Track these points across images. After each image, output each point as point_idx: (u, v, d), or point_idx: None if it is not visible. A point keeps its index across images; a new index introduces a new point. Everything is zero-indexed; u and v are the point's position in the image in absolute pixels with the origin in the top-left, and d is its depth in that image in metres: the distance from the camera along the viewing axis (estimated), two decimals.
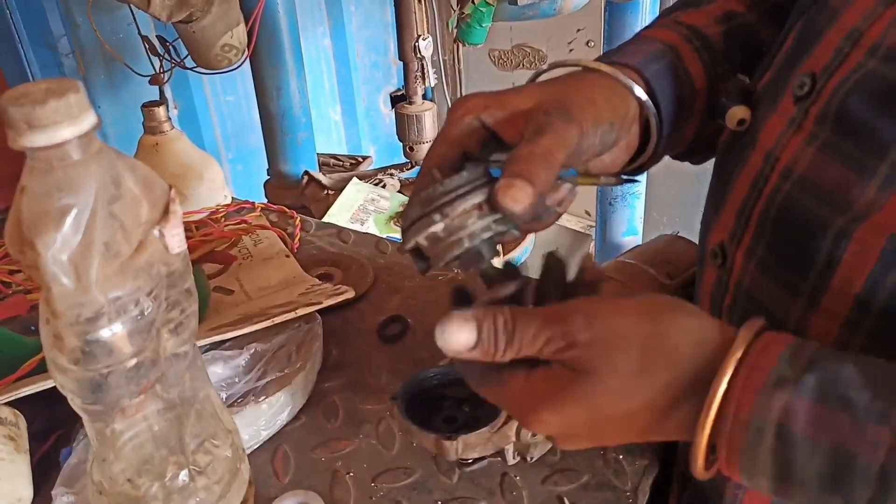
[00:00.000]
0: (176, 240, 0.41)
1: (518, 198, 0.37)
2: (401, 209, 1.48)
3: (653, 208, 1.89)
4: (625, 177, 0.50)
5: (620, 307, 0.36)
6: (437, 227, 0.38)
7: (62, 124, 0.34)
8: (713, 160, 0.50)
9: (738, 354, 0.33)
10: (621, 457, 0.53)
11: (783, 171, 0.39)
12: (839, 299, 0.36)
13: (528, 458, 0.52)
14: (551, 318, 0.35)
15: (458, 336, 0.36)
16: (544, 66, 0.48)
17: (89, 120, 0.35)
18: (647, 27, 0.51)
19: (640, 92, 0.44)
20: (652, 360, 0.34)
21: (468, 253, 0.39)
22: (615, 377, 0.34)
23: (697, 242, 0.51)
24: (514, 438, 0.50)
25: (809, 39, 0.41)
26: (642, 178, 1.58)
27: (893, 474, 0.30)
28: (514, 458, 0.52)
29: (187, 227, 0.81)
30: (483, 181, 0.38)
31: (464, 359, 0.37)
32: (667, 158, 0.56)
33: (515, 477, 0.52)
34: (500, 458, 0.53)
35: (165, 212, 0.40)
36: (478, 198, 0.38)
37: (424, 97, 1.52)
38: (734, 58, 0.49)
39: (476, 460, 0.53)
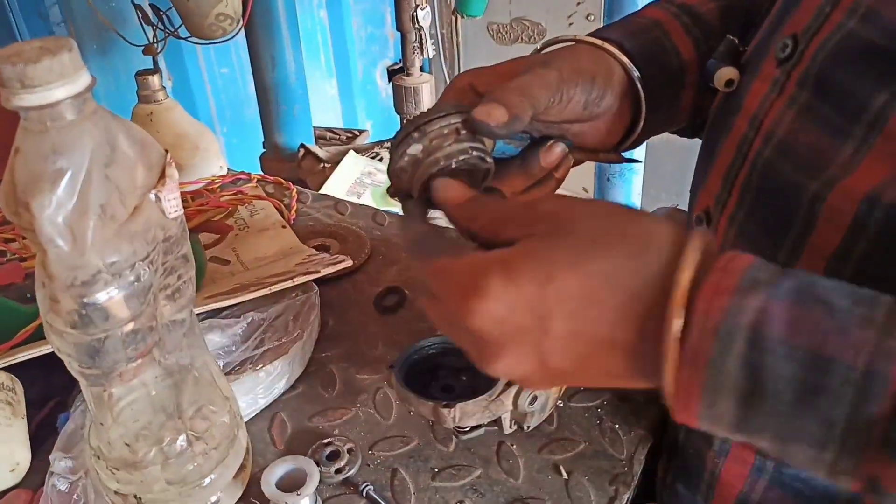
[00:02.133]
0: (172, 204, 0.40)
1: (491, 113, 0.39)
2: None
3: (650, 183, 1.88)
4: (625, 155, 0.50)
5: (597, 200, 0.35)
6: (416, 149, 0.40)
7: (56, 83, 0.34)
8: None
9: (699, 244, 0.30)
10: (617, 426, 0.53)
11: (765, 136, 0.39)
12: (813, 265, 0.36)
13: (525, 427, 0.52)
14: (528, 201, 0.37)
15: (457, 187, 0.39)
16: (538, 45, 0.49)
17: (83, 79, 0.35)
18: (639, 9, 0.52)
19: (621, 56, 0.45)
20: (618, 229, 0.32)
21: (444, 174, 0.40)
22: (576, 235, 0.32)
23: None
24: (510, 407, 0.50)
25: (793, 2, 0.40)
26: (641, 156, 1.57)
27: (875, 380, 0.26)
28: (510, 426, 0.52)
29: (183, 197, 0.80)
30: (465, 110, 0.40)
31: (429, 234, 0.38)
32: (665, 134, 0.56)
33: (512, 445, 0.52)
34: (496, 427, 0.53)
35: (161, 175, 0.40)
36: (455, 119, 0.40)
37: (422, 70, 1.51)
38: (734, 32, 0.49)
39: (473, 429, 0.53)
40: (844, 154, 0.34)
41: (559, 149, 0.42)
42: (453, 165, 0.40)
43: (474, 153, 0.40)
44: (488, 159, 0.41)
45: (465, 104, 0.42)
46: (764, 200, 0.39)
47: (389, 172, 0.42)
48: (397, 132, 0.42)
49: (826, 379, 0.27)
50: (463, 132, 0.40)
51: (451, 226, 0.40)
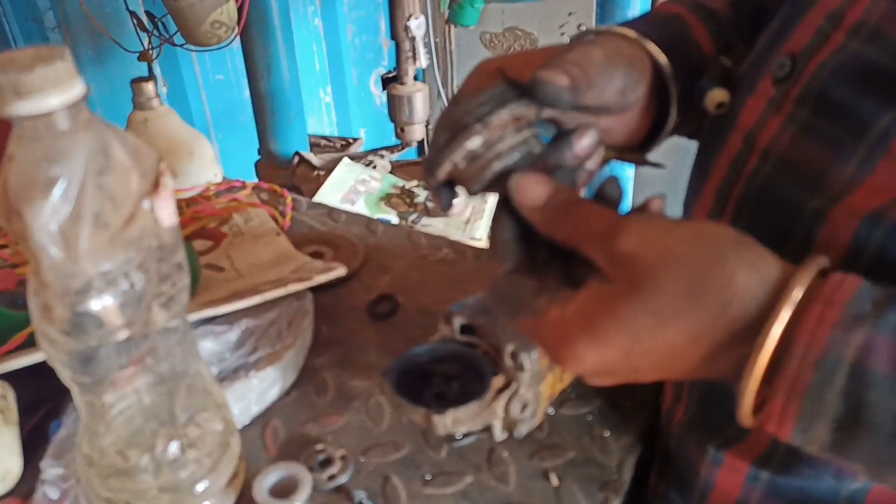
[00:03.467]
0: (166, 212, 0.40)
1: (555, 77, 0.37)
2: (392, 190, 1.48)
3: (640, 192, 1.90)
4: (649, 160, 0.49)
5: (677, 225, 0.34)
6: (476, 142, 0.36)
7: (50, 92, 0.34)
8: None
9: (805, 282, 0.30)
10: (607, 434, 0.54)
11: (762, 153, 0.39)
12: None
13: (516, 434, 0.53)
14: (609, 214, 0.35)
15: (536, 188, 0.36)
16: (568, 40, 0.48)
17: (78, 88, 0.35)
18: (656, 6, 0.52)
19: (650, 45, 0.44)
20: (704, 285, 0.31)
21: (506, 170, 0.37)
22: (661, 298, 0.31)
23: None
24: (502, 414, 0.51)
25: (790, 21, 0.41)
26: (631, 172, 1.58)
27: None
28: (502, 433, 0.53)
29: (178, 204, 0.80)
30: (513, 94, 0.37)
31: (498, 284, 0.37)
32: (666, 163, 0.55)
33: (503, 452, 0.52)
34: (488, 434, 0.53)
35: (156, 184, 0.40)
36: (516, 108, 0.37)
37: (416, 79, 1.52)
38: (743, 27, 0.49)
39: (465, 435, 0.53)
40: (847, 172, 0.34)
41: (592, 135, 0.40)
42: (515, 157, 0.37)
43: (535, 141, 0.37)
44: (543, 142, 0.38)
45: (504, 94, 0.39)
46: (762, 217, 0.39)
47: (433, 165, 0.39)
48: (443, 123, 0.38)
49: None
50: (521, 120, 0.37)
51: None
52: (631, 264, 0.32)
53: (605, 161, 0.45)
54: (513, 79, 0.40)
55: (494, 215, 0.39)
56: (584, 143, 0.39)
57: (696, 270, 0.31)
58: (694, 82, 0.46)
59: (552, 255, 0.37)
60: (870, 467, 0.30)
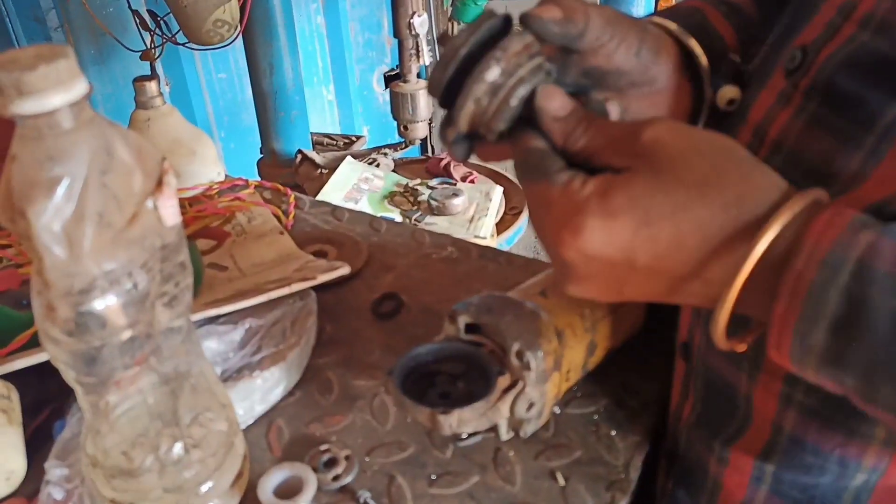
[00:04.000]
0: (170, 211, 0.40)
1: (548, 11, 0.37)
2: (395, 188, 1.48)
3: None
4: None
5: (700, 129, 0.34)
6: (496, 72, 0.35)
7: (52, 91, 0.34)
8: None
9: (813, 195, 0.30)
10: (613, 433, 0.53)
11: (772, 145, 0.39)
12: None
13: (522, 434, 0.52)
14: (628, 122, 0.35)
15: (560, 98, 0.36)
16: None
17: (80, 87, 0.35)
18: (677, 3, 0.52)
19: (671, 26, 0.44)
20: (722, 176, 0.31)
21: (520, 101, 0.36)
22: (679, 182, 0.31)
23: None
24: (507, 414, 0.50)
25: (802, 15, 0.40)
26: None
27: None
28: (507, 433, 0.52)
29: (181, 203, 0.80)
30: (502, 25, 0.37)
31: (532, 145, 0.36)
32: None
33: (509, 452, 0.52)
34: (493, 434, 0.53)
35: (159, 183, 0.40)
36: (524, 38, 0.36)
37: (419, 76, 1.51)
38: (770, 21, 0.49)
39: (470, 435, 0.53)
40: (854, 164, 0.34)
41: (614, 106, 0.40)
42: (535, 82, 0.36)
43: (546, 66, 0.36)
44: (553, 71, 0.38)
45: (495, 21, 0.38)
46: None
47: (457, 106, 0.37)
48: (446, 60, 0.37)
49: None
50: (533, 46, 0.36)
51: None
52: (654, 151, 0.33)
53: None
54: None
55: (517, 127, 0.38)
56: (614, 113, 0.40)
57: (715, 163, 0.32)
58: (716, 70, 0.45)
59: None
60: (861, 379, 0.29)
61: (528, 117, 0.37)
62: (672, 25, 0.44)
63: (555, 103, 0.37)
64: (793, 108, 0.38)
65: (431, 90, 0.39)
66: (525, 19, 0.38)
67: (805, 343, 0.30)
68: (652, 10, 1.47)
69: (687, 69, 0.44)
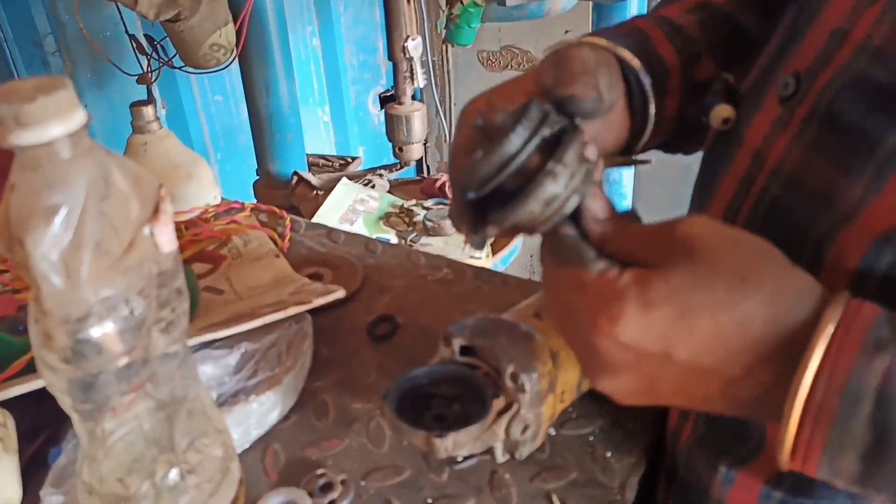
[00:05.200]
0: (166, 238, 0.41)
1: (590, 88, 0.37)
2: (391, 210, 1.49)
3: (638, 208, 1.90)
4: (634, 157, 0.50)
5: (734, 228, 0.34)
6: (559, 185, 0.35)
7: (51, 122, 0.34)
8: (698, 163, 0.50)
9: (837, 316, 0.30)
10: (609, 454, 0.54)
11: (771, 172, 0.39)
12: None
13: (517, 456, 0.52)
14: (663, 223, 0.35)
15: (601, 200, 0.37)
16: (537, 62, 0.49)
17: (79, 117, 0.35)
18: (620, 22, 0.53)
19: (620, 51, 0.45)
20: (760, 271, 0.31)
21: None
22: (717, 273, 0.31)
23: None
24: (502, 436, 0.51)
25: (792, 38, 0.41)
26: (630, 177, 1.59)
27: None
28: (503, 455, 0.52)
29: (177, 227, 0.80)
30: (548, 130, 0.36)
31: (568, 234, 0.36)
32: (653, 158, 0.56)
33: (505, 474, 0.52)
34: (489, 456, 0.53)
35: (156, 210, 0.40)
36: (578, 145, 0.35)
37: (413, 98, 1.53)
38: (713, 42, 0.50)
39: (465, 458, 0.53)
40: (856, 192, 0.34)
41: (593, 148, 0.40)
42: (586, 190, 0.36)
43: (592, 169, 0.36)
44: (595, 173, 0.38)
45: (539, 114, 0.37)
46: (771, 236, 0.39)
47: (507, 217, 0.36)
48: (497, 171, 0.35)
49: None
50: (581, 151, 0.36)
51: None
52: (690, 245, 0.33)
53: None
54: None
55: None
56: (589, 157, 0.40)
57: (752, 258, 0.32)
58: (658, 92, 0.47)
59: None
60: None
61: None
62: (622, 51, 0.45)
63: (598, 205, 0.37)
64: (791, 135, 0.38)
65: (464, 184, 0.38)
66: (569, 103, 0.37)
67: (834, 466, 0.30)
68: (644, 10, 1.49)
69: (627, 88, 0.46)
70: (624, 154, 0.50)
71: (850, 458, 0.29)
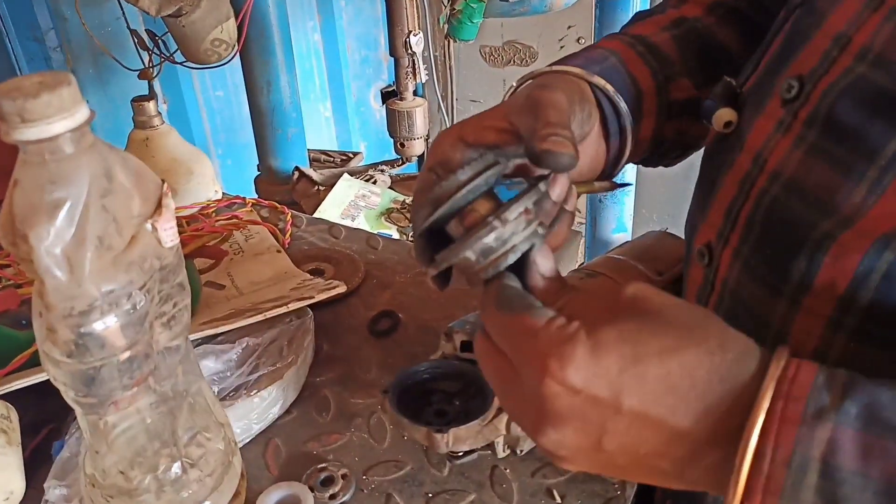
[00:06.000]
0: (168, 233, 0.41)
1: (565, 144, 0.37)
2: (392, 205, 1.49)
3: (642, 205, 1.90)
4: (617, 182, 0.50)
5: (666, 294, 0.34)
6: (491, 238, 0.35)
7: (55, 118, 0.34)
8: (700, 161, 0.51)
9: (773, 384, 0.30)
10: None
11: (771, 174, 0.39)
12: (822, 300, 0.36)
13: (518, 451, 0.53)
14: (607, 287, 0.36)
15: (550, 260, 0.37)
16: (507, 93, 0.49)
17: (82, 113, 0.35)
18: (595, 43, 0.53)
19: (595, 79, 0.45)
20: (704, 325, 0.32)
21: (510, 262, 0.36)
22: (665, 325, 0.32)
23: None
24: (503, 431, 0.51)
25: (796, 42, 0.41)
26: (632, 179, 1.59)
27: None
28: (504, 450, 0.53)
29: (178, 222, 0.80)
30: (494, 177, 0.37)
31: (511, 284, 0.36)
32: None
33: (505, 469, 0.52)
34: (490, 451, 0.53)
35: (158, 205, 0.40)
36: (528, 201, 0.36)
37: (415, 93, 1.52)
38: (688, 60, 0.50)
39: (466, 453, 0.53)
40: (857, 196, 0.35)
41: (563, 178, 0.40)
42: (525, 249, 0.36)
43: (542, 232, 0.37)
44: (543, 231, 0.38)
45: (459, 156, 0.40)
46: (770, 236, 0.39)
47: (444, 256, 0.37)
48: (425, 197, 0.37)
49: None
50: (531, 211, 0.37)
51: None
52: (638, 303, 0.33)
53: (578, 196, 0.45)
54: (485, 145, 0.40)
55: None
56: (558, 189, 0.40)
57: (697, 317, 0.33)
58: (632, 116, 0.47)
59: None
60: None
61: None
62: (597, 80, 0.46)
63: (548, 263, 0.37)
64: (792, 137, 0.38)
65: (416, 219, 0.39)
66: (545, 158, 0.37)
67: None
68: (647, 5, 1.48)
69: (602, 115, 0.46)
70: (601, 178, 0.50)
71: None
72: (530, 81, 0.47)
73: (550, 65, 0.48)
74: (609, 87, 0.46)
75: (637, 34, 0.50)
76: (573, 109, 0.42)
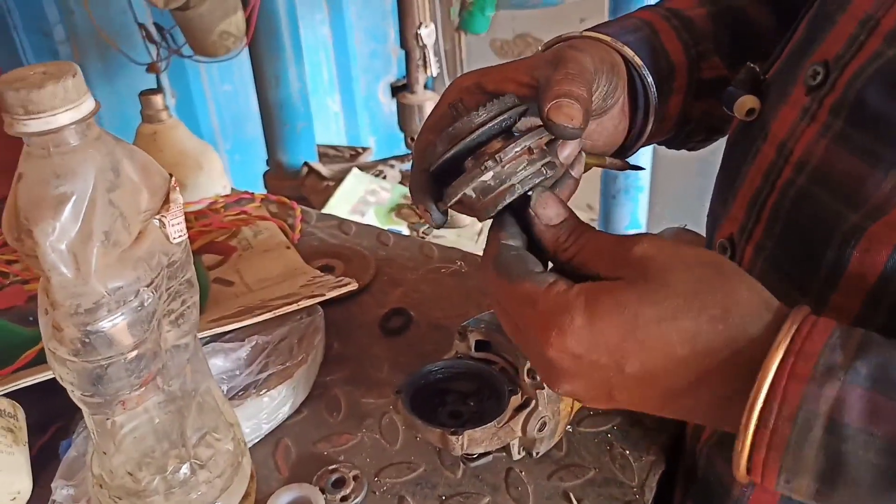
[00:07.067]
0: (176, 229, 0.40)
1: (572, 114, 0.36)
2: (402, 201, 1.47)
3: (656, 202, 1.88)
4: (631, 163, 0.49)
5: (689, 245, 0.34)
6: (488, 176, 0.36)
7: (60, 109, 0.33)
8: (721, 152, 0.49)
9: (787, 341, 0.30)
10: (627, 452, 0.52)
11: (797, 164, 0.38)
12: (850, 296, 0.35)
13: (534, 454, 0.51)
14: (617, 236, 0.35)
15: (554, 207, 0.37)
16: (540, 47, 0.48)
17: (87, 105, 0.34)
18: (630, 12, 0.51)
19: (626, 50, 0.44)
20: (709, 289, 0.31)
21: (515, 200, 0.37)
22: (667, 292, 0.31)
23: (704, 235, 0.50)
24: (519, 433, 0.50)
25: (821, 26, 0.40)
26: (647, 176, 1.57)
27: None
28: (519, 453, 0.52)
29: (186, 217, 0.79)
30: (514, 119, 0.37)
31: (508, 245, 0.36)
32: (670, 152, 0.55)
33: (521, 472, 0.51)
34: (505, 454, 0.52)
35: (166, 200, 0.39)
36: (528, 141, 0.36)
37: (426, 87, 1.51)
38: (722, 38, 0.49)
39: (481, 455, 0.52)
40: (886, 186, 0.33)
41: (572, 144, 0.40)
42: (526, 189, 0.37)
43: (548, 173, 0.37)
44: (555, 168, 0.38)
45: (475, 101, 0.39)
46: (796, 230, 0.38)
47: (447, 194, 0.38)
48: (449, 141, 0.37)
49: None
50: (535, 150, 0.37)
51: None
52: (643, 263, 0.33)
53: (588, 168, 0.45)
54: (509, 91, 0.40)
55: (498, 215, 0.38)
56: (567, 150, 0.40)
57: (702, 277, 0.32)
58: (662, 90, 0.46)
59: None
60: None
61: (517, 206, 0.38)
62: (627, 51, 0.44)
63: (549, 212, 0.37)
64: (818, 126, 0.37)
65: (426, 159, 0.39)
66: (551, 127, 0.37)
67: (791, 485, 0.31)
68: None
69: (631, 89, 0.45)
70: (619, 153, 0.49)
71: (805, 479, 0.30)
72: (561, 43, 0.46)
73: (587, 30, 0.47)
74: (637, 60, 0.44)
75: (673, 7, 0.49)
76: (599, 79, 0.41)
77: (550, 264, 0.38)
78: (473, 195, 0.37)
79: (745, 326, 0.31)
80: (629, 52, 0.44)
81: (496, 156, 0.36)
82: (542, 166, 0.37)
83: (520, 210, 0.37)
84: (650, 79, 0.45)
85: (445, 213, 0.40)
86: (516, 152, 0.36)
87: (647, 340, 0.31)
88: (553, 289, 0.34)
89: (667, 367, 0.32)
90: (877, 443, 0.28)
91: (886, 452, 0.28)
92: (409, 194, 1.50)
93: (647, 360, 0.32)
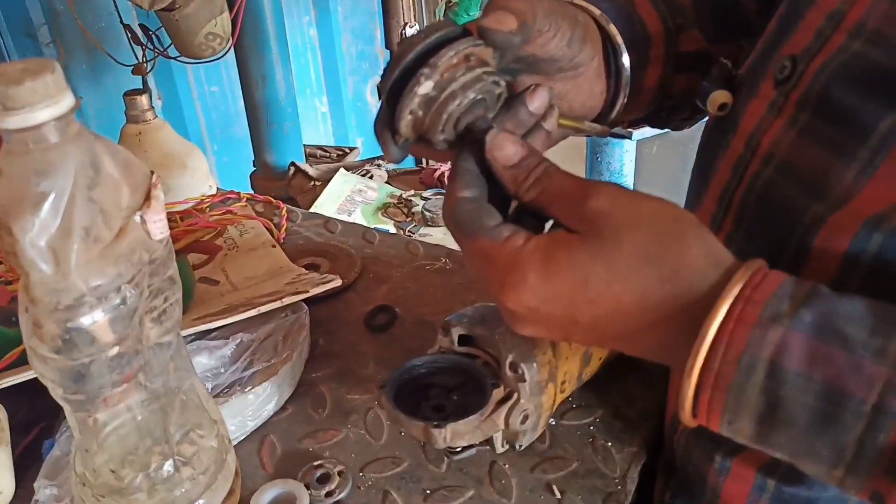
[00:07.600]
0: (158, 226, 0.40)
1: (502, 20, 0.37)
2: (389, 200, 1.48)
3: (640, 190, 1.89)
4: (613, 129, 0.49)
5: (646, 197, 0.35)
6: (428, 86, 0.36)
7: (39, 105, 0.33)
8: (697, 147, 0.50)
9: (736, 290, 0.31)
10: (609, 444, 0.53)
11: (764, 157, 0.39)
12: None
13: (517, 446, 0.52)
14: (580, 179, 0.36)
15: (511, 146, 0.37)
16: None
17: (67, 101, 0.34)
18: None
19: (596, 11, 0.44)
20: (661, 249, 0.33)
21: (464, 112, 0.37)
22: (620, 251, 0.33)
23: None
24: (502, 426, 0.50)
25: (789, 22, 0.40)
26: (630, 166, 1.58)
27: (885, 413, 0.28)
28: (502, 446, 0.52)
29: (171, 217, 0.79)
30: (459, 33, 0.37)
31: (464, 197, 0.37)
32: (654, 147, 0.55)
33: (504, 465, 0.52)
34: (488, 447, 0.52)
35: (147, 197, 0.39)
36: (463, 45, 0.37)
37: None
38: (703, 12, 0.49)
39: (464, 449, 0.52)
40: (848, 176, 0.34)
41: (543, 91, 0.40)
42: (471, 97, 0.37)
43: (489, 79, 0.37)
44: (501, 82, 0.38)
45: (448, 25, 0.39)
46: (762, 221, 0.39)
47: (396, 118, 0.38)
48: (392, 66, 0.37)
49: (839, 410, 0.29)
50: (472, 58, 0.37)
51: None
52: (598, 220, 0.34)
53: (565, 135, 0.45)
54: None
55: (460, 154, 0.38)
56: (537, 100, 0.40)
57: (656, 236, 0.33)
58: (638, 59, 0.46)
59: (514, 220, 0.37)
60: (789, 457, 0.32)
61: (477, 140, 0.38)
62: (596, 12, 0.45)
63: (506, 152, 0.37)
64: (785, 119, 0.38)
65: (379, 91, 0.40)
66: (482, 34, 0.38)
67: (733, 427, 0.32)
68: None
69: (608, 55, 0.45)
70: (600, 121, 0.48)
71: (745, 420, 0.31)
72: None
73: None
74: (612, 27, 0.44)
75: None
76: (556, 20, 0.41)
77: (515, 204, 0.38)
78: (420, 113, 0.37)
79: (692, 286, 0.32)
80: (595, 11, 0.44)
81: (431, 62, 0.36)
82: (482, 73, 0.37)
83: (482, 154, 0.38)
84: (619, 38, 0.45)
85: (405, 149, 0.40)
86: (450, 56, 0.36)
87: (598, 299, 0.33)
88: (508, 244, 0.35)
89: (615, 320, 0.33)
90: (814, 386, 0.29)
91: (822, 396, 0.29)
92: (395, 193, 1.50)
93: (598, 313, 0.33)
